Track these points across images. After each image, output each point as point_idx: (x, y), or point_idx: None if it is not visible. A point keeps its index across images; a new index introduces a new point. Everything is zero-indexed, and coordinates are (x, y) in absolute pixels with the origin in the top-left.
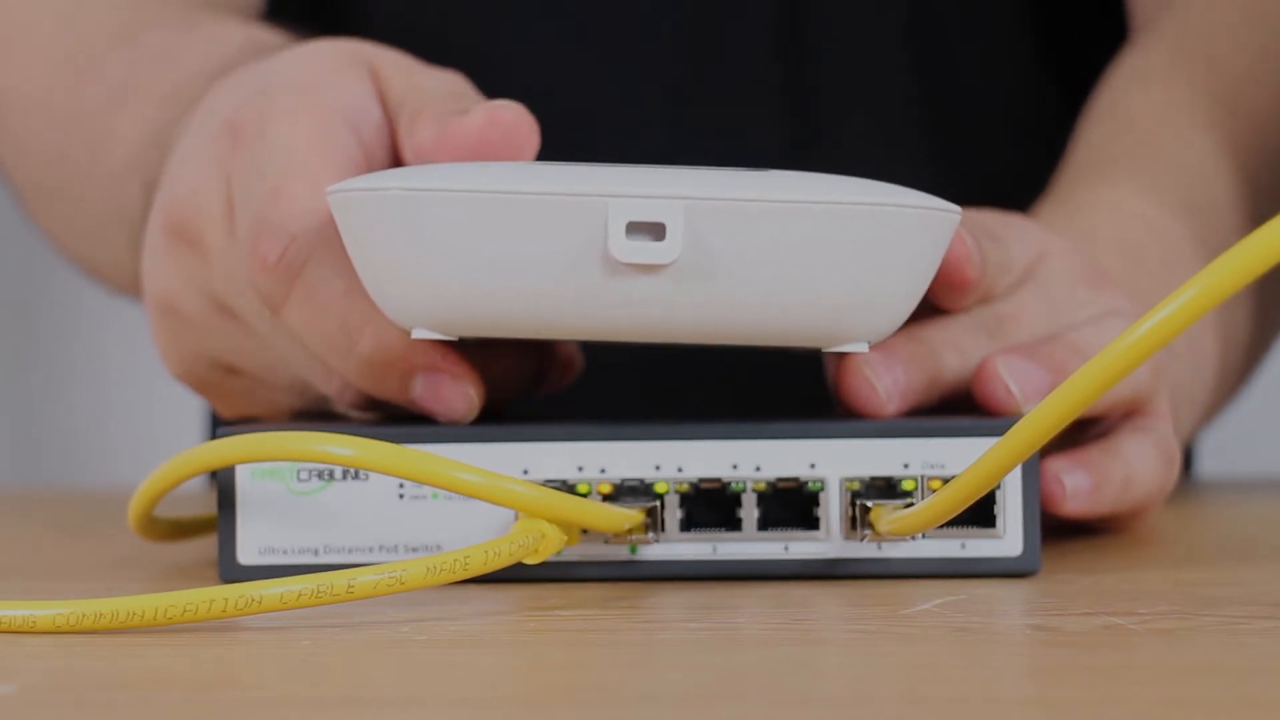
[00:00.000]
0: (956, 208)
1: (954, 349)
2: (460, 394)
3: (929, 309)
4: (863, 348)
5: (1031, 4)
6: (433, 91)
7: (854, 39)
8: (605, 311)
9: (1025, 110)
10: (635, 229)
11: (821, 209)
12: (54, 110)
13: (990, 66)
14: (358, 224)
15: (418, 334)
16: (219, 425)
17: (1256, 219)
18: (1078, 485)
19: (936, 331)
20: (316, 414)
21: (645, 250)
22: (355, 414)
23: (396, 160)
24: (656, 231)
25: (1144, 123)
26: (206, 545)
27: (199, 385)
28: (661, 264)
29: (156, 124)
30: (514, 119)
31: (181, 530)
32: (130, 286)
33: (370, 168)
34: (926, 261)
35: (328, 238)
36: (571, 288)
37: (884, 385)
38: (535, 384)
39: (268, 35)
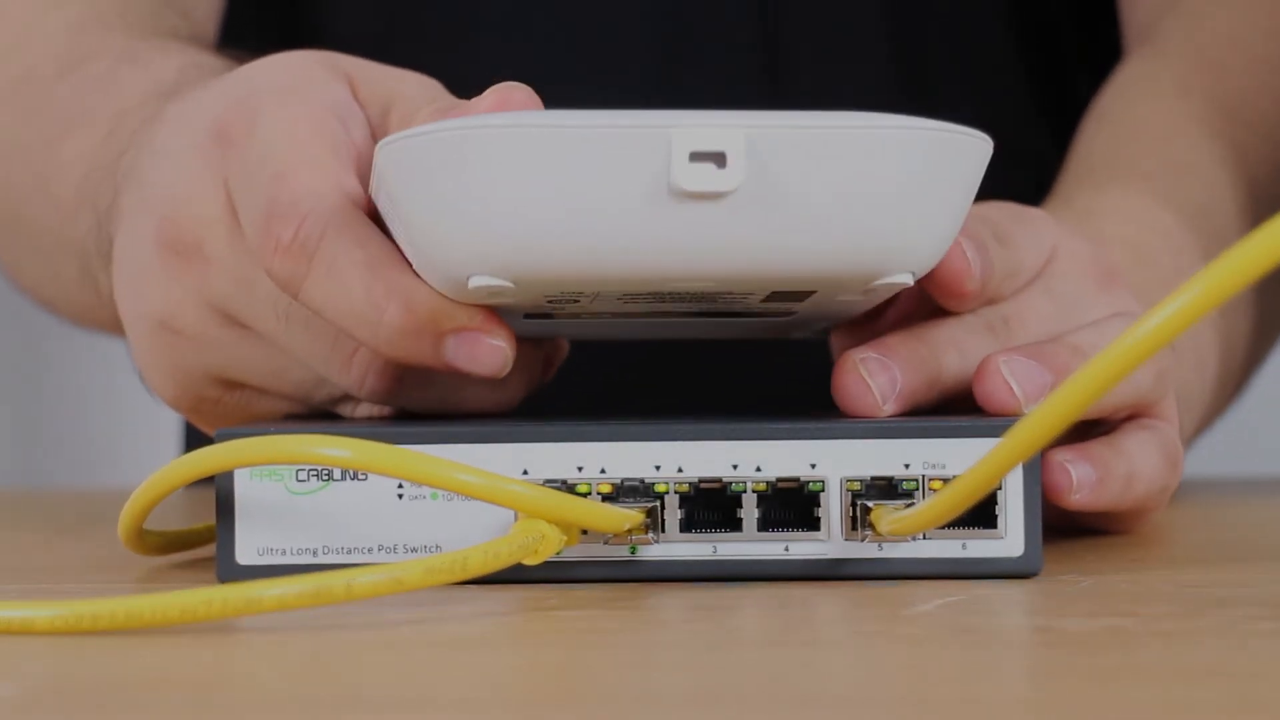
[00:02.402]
0: (989, 138)
1: (955, 349)
2: (493, 349)
3: (934, 307)
4: (908, 280)
5: (1016, 22)
6: (416, 97)
7: (837, 51)
8: (667, 244)
9: (1011, 130)
10: (698, 158)
11: (877, 134)
12: (0, 143)
13: (976, 83)
14: (415, 172)
15: (476, 281)
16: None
17: None
18: (1083, 477)
19: (939, 331)
20: (311, 414)
21: (709, 177)
22: (364, 410)
23: None
24: (719, 160)
25: (1153, 128)
26: (204, 546)
27: (194, 405)
28: (725, 191)
29: (105, 152)
30: (524, 99)
31: (172, 544)
32: (85, 317)
33: (361, 162)
34: (967, 189)
35: (340, 213)
36: (633, 220)
37: (879, 385)
38: (538, 382)
39: (209, 59)
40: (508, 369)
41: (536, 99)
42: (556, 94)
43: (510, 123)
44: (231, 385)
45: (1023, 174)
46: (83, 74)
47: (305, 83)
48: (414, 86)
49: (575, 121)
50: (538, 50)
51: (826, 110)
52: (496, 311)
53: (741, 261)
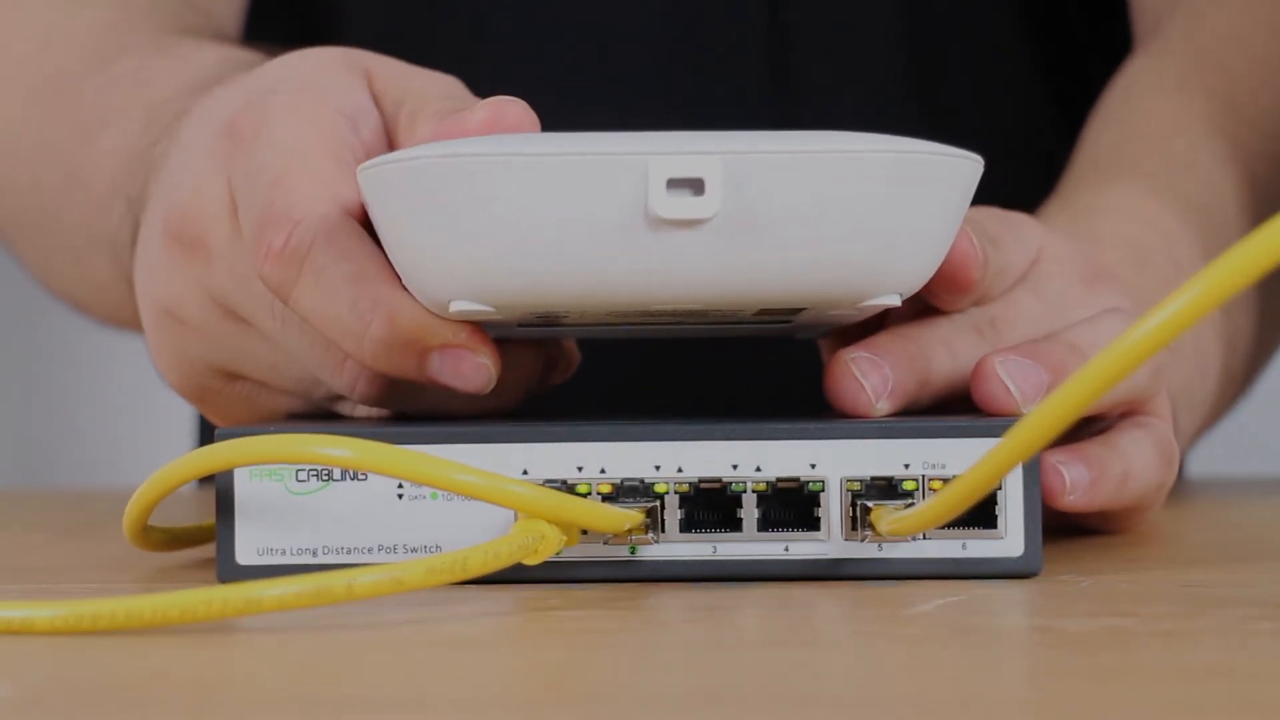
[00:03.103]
0: (979, 157)
1: (945, 348)
2: (478, 366)
3: (922, 309)
4: (895, 301)
5: (1026, 19)
6: (430, 94)
7: (846, 50)
8: (646, 271)
9: (1021, 123)
10: (675, 185)
11: (856, 157)
12: (27, 142)
13: (986, 81)
14: (391, 198)
15: (457, 307)
16: (208, 425)
17: None
18: (1077, 478)
19: (927, 331)
20: (313, 414)
21: (686, 205)
22: (364, 410)
23: None
24: (696, 187)
25: (1156, 127)
26: (204, 546)
27: (198, 394)
28: (702, 218)
29: (137, 144)
30: (519, 113)
31: (177, 540)
32: (117, 315)
33: None
34: (954, 209)
35: (332, 224)
36: (612, 247)
37: (872, 384)
38: (541, 383)
39: (244, 53)
40: (492, 385)
41: (531, 113)
42: (563, 95)
43: (484, 151)
44: (233, 377)
45: (1031, 169)
46: (113, 72)
47: (322, 83)
48: (426, 82)
49: (551, 149)
50: (544, 51)
51: (817, 130)
52: (485, 324)
53: (723, 286)
